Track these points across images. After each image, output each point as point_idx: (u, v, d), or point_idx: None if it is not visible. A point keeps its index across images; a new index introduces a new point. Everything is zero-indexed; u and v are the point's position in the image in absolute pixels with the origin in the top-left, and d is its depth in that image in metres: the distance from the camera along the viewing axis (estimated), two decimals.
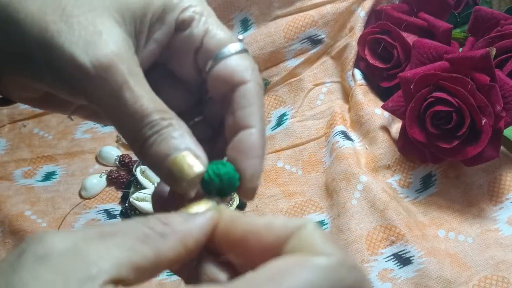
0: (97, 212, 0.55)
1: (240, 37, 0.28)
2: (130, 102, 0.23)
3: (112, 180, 0.57)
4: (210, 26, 0.27)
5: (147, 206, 0.52)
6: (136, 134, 0.24)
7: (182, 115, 0.26)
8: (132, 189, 0.56)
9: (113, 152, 0.60)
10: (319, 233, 0.19)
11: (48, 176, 0.59)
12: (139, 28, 0.26)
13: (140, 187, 0.55)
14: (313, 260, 0.18)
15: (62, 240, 0.19)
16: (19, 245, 0.19)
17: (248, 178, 0.25)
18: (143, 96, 0.24)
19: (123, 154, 0.59)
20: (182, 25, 0.27)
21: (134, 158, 0.59)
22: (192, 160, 0.24)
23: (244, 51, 0.27)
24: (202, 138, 0.26)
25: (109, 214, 0.55)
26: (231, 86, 0.26)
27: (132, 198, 0.53)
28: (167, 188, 0.28)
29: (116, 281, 0.18)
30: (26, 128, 0.64)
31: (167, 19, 0.27)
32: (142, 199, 0.53)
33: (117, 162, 0.59)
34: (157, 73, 0.28)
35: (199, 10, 0.27)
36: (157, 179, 0.53)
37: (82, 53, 0.23)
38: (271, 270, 0.18)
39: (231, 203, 0.53)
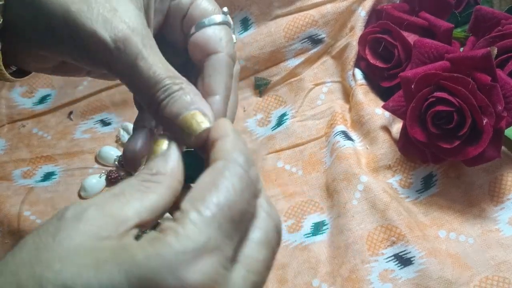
0: None
1: (225, 9, 0.31)
2: (144, 69, 0.27)
3: (111, 181, 0.57)
4: None
5: None
6: (151, 98, 0.27)
7: None
8: None
9: (112, 152, 0.60)
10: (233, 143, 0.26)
11: (47, 176, 0.59)
12: (147, 3, 0.30)
13: None
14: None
15: (87, 204, 0.23)
16: (56, 213, 0.23)
17: None
18: (156, 64, 0.27)
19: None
20: None
21: None
22: (200, 117, 0.27)
23: (224, 23, 0.30)
24: None
25: None
26: (205, 54, 0.29)
27: None
28: (137, 144, 0.32)
29: (140, 225, 0.23)
30: (25, 128, 0.63)
31: None
32: None
33: (116, 162, 0.59)
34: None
35: None
36: None
37: (102, 30, 0.27)
38: (207, 179, 0.24)
39: None
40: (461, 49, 0.55)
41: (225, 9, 0.31)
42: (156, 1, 0.31)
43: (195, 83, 0.31)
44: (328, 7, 0.60)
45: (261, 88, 0.63)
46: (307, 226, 0.52)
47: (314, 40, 0.61)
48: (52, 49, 0.30)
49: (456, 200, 0.50)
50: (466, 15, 0.58)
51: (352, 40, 0.60)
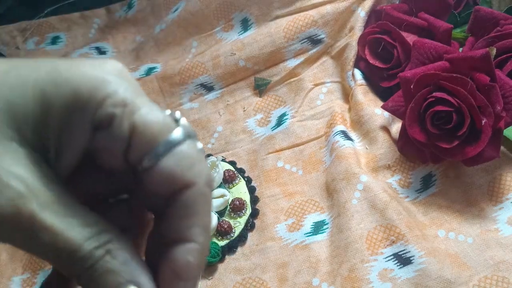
0: None
1: (178, 114, 0.22)
2: (49, 242, 0.19)
3: None
4: (137, 119, 0.20)
5: None
6: (70, 272, 0.20)
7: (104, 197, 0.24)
8: None
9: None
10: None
11: None
12: (44, 137, 0.20)
13: None
14: None
15: None
16: None
17: None
18: (66, 229, 0.19)
19: None
20: (101, 125, 0.20)
21: None
22: None
23: (185, 137, 0.21)
24: (125, 224, 0.23)
25: None
26: (174, 190, 0.21)
27: None
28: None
29: None
30: None
31: (78, 124, 0.20)
32: None
33: None
34: None
35: (120, 99, 0.20)
36: None
37: None
38: None
39: (244, 211, 0.53)
40: (460, 49, 0.55)
41: (178, 113, 0.22)
42: (61, 134, 0.20)
43: (139, 202, 0.23)
44: (328, 8, 0.60)
45: (261, 88, 0.63)
46: (307, 225, 0.52)
47: (314, 41, 0.61)
48: None
49: (455, 200, 0.50)
50: (465, 15, 0.58)
51: (351, 40, 0.60)
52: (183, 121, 0.22)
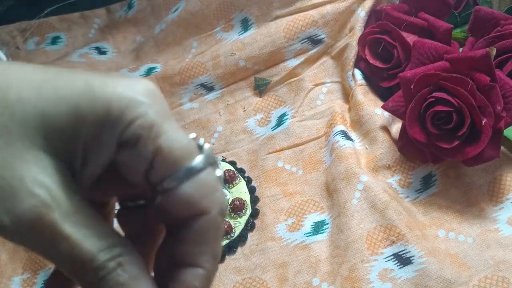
0: None
1: (202, 140, 0.22)
2: (66, 251, 0.20)
3: None
4: (163, 143, 0.21)
5: None
6: (82, 282, 0.21)
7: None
8: None
9: None
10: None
11: None
12: (72, 149, 0.21)
13: None
14: None
15: None
16: None
17: None
18: (83, 239, 0.20)
19: None
20: (127, 143, 0.21)
21: None
22: None
23: (206, 165, 0.22)
24: (138, 231, 0.24)
25: None
26: (189, 215, 0.22)
27: None
28: None
29: None
30: None
31: (106, 140, 0.21)
32: None
33: None
34: None
35: (148, 121, 0.21)
36: None
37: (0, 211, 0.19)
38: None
39: (244, 211, 0.53)
40: (460, 49, 0.55)
41: (201, 140, 0.23)
42: (89, 149, 0.21)
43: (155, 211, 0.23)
44: (328, 8, 0.60)
45: (261, 88, 0.63)
46: (308, 225, 0.52)
47: (314, 41, 0.61)
48: None
49: (455, 200, 0.50)
50: (466, 15, 0.58)
51: (351, 40, 0.60)
52: (206, 147, 0.22)
